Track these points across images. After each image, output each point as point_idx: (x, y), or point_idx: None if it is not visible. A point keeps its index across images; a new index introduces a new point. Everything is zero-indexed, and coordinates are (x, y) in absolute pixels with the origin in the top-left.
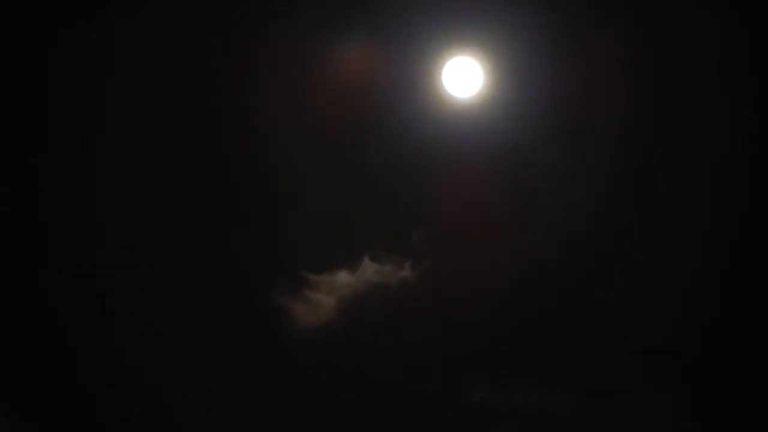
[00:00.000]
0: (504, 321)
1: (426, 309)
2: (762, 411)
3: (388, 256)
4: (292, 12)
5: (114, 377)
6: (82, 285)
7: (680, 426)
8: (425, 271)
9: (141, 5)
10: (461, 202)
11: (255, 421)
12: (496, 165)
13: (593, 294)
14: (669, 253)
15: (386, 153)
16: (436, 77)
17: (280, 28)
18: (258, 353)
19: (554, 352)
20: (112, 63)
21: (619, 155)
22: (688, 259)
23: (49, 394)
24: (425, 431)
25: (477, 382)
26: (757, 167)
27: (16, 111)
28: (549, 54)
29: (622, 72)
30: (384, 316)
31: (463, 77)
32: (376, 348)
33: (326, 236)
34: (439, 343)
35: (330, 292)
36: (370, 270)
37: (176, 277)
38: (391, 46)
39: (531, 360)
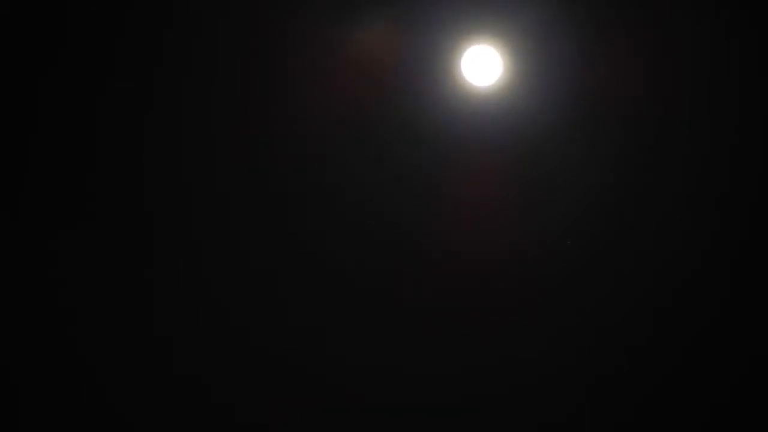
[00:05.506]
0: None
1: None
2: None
3: None
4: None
5: None
6: None
7: None
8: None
9: None
10: (479, 190)
11: None
12: (515, 154)
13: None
14: (678, 248)
15: (404, 142)
16: (455, 66)
17: (293, 17)
18: None
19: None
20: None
21: (639, 145)
22: (697, 255)
23: None
24: None
25: None
26: None
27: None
28: (570, 43)
29: (644, 62)
30: None
31: (483, 66)
32: None
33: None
34: None
35: None
36: None
37: None
38: (409, 34)
39: None
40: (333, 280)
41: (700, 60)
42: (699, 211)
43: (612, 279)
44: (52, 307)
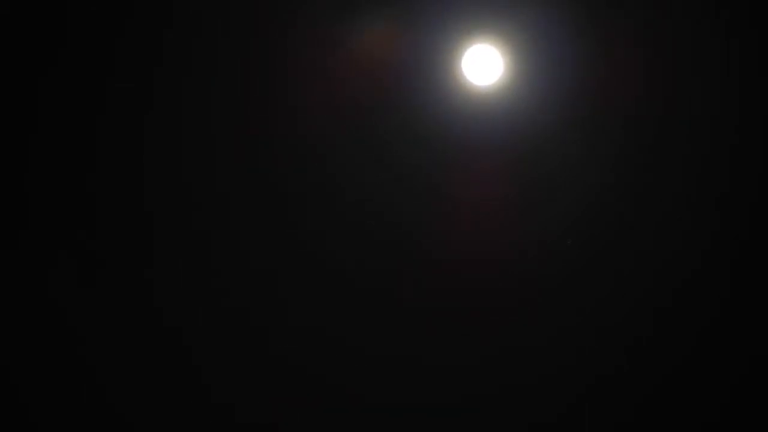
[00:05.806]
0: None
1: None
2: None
3: None
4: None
5: None
6: None
7: None
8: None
9: None
10: (479, 190)
11: None
12: (515, 154)
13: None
14: (678, 248)
15: (404, 142)
16: (455, 66)
17: (293, 17)
18: None
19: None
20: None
21: (639, 145)
22: (697, 255)
23: None
24: None
25: None
26: None
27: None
28: (570, 43)
29: (644, 62)
30: None
31: (483, 66)
32: None
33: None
34: None
35: None
36: None
37: None
38: (409, 34)
39: None
40: (333, 280)
41: (700, 60)
42: (699, 211)
43: (612, 279)
44: (51, 307)
